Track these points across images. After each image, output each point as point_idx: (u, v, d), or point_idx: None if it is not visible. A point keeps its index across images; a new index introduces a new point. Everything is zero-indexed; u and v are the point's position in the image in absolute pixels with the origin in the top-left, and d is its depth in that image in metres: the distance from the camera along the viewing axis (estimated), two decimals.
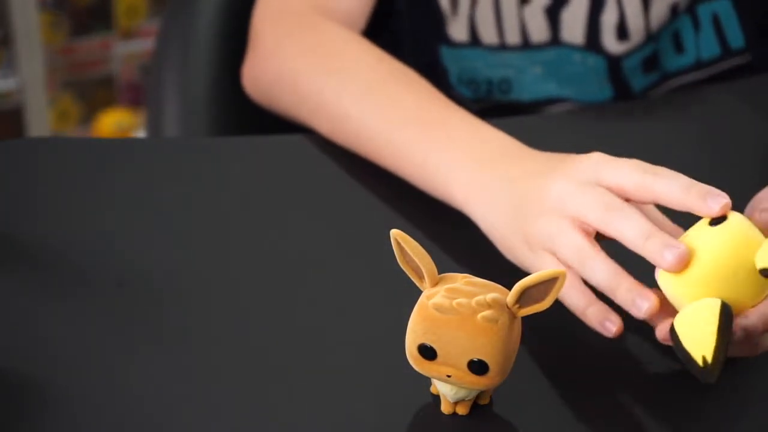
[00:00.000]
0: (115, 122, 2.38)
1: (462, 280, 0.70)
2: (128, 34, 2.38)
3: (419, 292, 0.70)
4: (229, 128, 1.19)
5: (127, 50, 2.38)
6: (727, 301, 0.69)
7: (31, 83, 2.24)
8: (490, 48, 1.10)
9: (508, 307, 0.68)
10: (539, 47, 1.09)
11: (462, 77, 1.12)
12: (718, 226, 0.71)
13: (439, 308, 0.68)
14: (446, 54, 1.11)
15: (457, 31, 1.09)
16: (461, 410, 0.71)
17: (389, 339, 0.72)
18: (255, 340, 0.78)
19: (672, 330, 0.70)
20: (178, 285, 0.82)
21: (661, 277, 0.72)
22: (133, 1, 2.35)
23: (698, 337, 0.68)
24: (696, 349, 0.68)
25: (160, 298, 0.81)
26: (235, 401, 0.72)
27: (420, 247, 0.69)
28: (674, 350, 0.70)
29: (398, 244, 0.70)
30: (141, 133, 2.36)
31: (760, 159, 0.99)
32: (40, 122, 2.27)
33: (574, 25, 1.08)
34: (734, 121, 1.04)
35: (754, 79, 1.12)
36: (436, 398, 0.72)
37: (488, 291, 0.69)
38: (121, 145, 1.08)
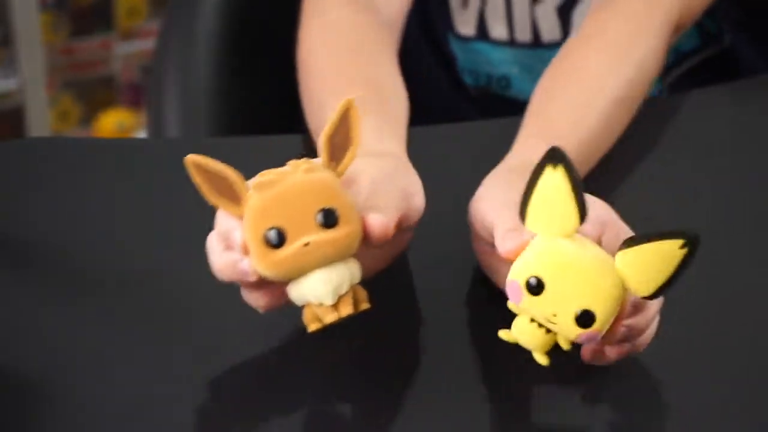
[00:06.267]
0: (115, 122, 2.38)
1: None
2: (129, 35, 2.38)
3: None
4: (230, 128, 1.19)
5: (128, 50, 2.38)
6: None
7: (32, 83, 2.24)
8: (498, 43, 1.11)
9: (326, 167, 0.68)
10: (549, 46, 1.10)
11: (465, 66, 1.13)
12: (551, 280, 0.67)
13: (264, 185, 0.67)
14: (454, 44, 1.13)
15: (465, 25, 1.11)
16: (344, 309, 0.68)
17: (389, 338, 0.72)
18: (255, 339, 0.77)
19: (653, 295, 0.67)
20: (179, 285, 0.82)
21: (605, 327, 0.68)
22: (133, 2, 2.35)
23: (658, 262, 0.66)
24: (670, 260, 0.66)
25: (160, 298, 0.81)
26: (235, 400, 0.72)
27: (220, 163, 0.67)
28: (671, 285, 0.67)
29: (198, 168, 0.68)
30: (141, 134, 2.36)
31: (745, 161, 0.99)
32: (41, 122, 2.27)
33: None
34: (735, 122, 1.04)
35: (750, 81, 1.13)
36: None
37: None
38: (121, 145, 1.08)
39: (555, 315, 0.67)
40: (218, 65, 1.19)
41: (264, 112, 1.10)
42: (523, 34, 1.10)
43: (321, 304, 0.67)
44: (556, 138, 0.83)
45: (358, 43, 0.98)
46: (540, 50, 1.11)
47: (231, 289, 0.82)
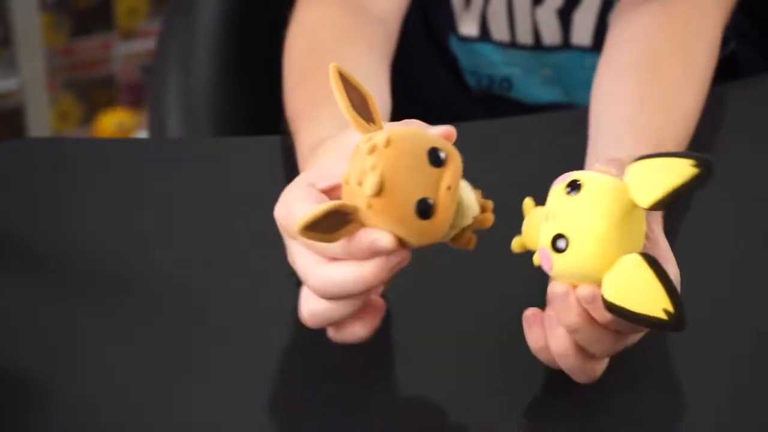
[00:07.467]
0: (115, 122, 2.38)
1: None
2: (129, 35, 2.38)
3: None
4: (231, 128, 1.19)
5: (128, 50, 2.38)
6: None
7: (32, 83, 2.24)
8: (500, 44, 1.11)
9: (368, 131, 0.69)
10: (550, 49, 1.11)
11: (467, 67, 1.14)
12: (585, 193, 0.69)
13: (363, 188, 0.67)
14: (455, 45, 1.13)
15: (468, 26, 1.11)
16: (489, 205, 0.71)
17: (386, 336, 0.72)
18: (255, 340, 0.78)
19: (612, 306, 0.67)
20: (178, 285, 0.82)
21: (558, 265, 0.69)
22: (133, 2, 2.35)
23: (644, 296, 0.66)
24: (652, 307, 0.66)
25: (160, 298, 0.81)
26: (235, 400, 0.72)
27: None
28: (628, 320, 0.67)
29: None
30: (141, 134, 2.36)
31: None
32: (41, 122, 2.27)
33: (584, 27, 1.09)
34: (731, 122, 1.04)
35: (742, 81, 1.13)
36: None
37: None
38: (121, 145, 1.09)
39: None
40: (218, 65, 1.19)
41: (264, 112, 1.10)
42: (524, 37, 1.10)
43: (474, 218, 0.70)
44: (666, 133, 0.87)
45: (339, 42, 0.98)
46: (541, 53, 1.11)
47: (231, 290, 0.82)
